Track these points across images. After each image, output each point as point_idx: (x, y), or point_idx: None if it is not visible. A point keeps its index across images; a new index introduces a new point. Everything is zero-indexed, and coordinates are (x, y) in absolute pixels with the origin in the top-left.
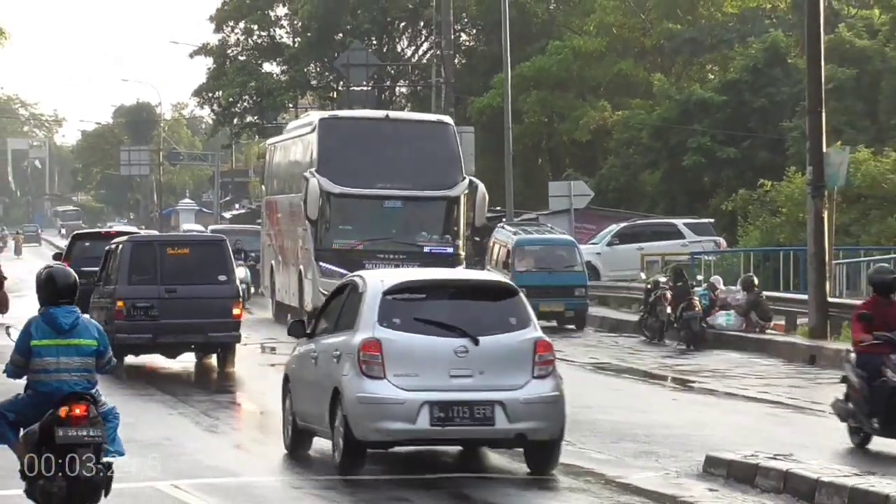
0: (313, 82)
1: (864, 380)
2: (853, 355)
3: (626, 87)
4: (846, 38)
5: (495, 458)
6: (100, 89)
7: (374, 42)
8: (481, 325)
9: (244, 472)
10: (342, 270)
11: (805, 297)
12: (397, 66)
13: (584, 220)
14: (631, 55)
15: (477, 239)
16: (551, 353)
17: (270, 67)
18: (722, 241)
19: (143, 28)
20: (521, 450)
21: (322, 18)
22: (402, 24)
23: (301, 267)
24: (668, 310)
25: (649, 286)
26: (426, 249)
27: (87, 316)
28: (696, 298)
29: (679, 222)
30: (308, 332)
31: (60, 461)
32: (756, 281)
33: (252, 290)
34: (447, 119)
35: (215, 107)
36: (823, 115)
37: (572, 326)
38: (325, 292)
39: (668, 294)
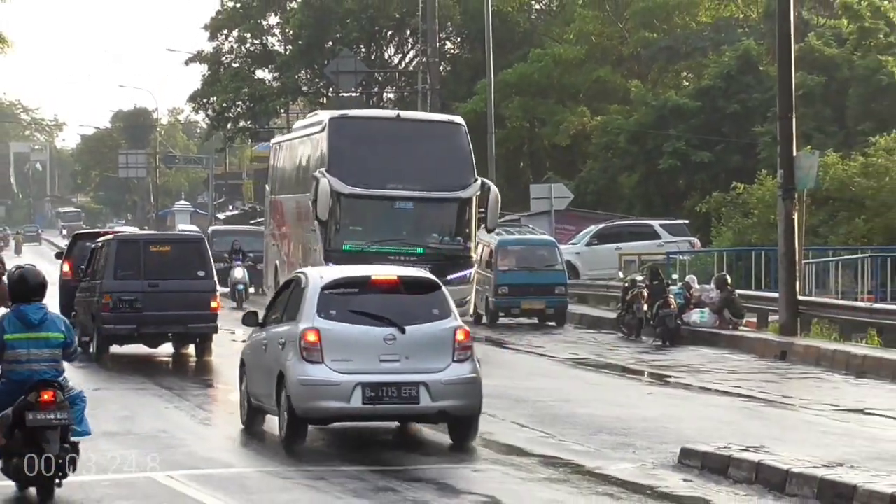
0: (304, 88)
1: None
2: None
3: (605, 94)
4: (815, 47)
5: (484, 452)
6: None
7: (363, 50)
8: (407, 316)
9: (237, 464)
10: None
11: (776, 295)
12: (385, 72)
13: (565, 221)
14: (609, 63)
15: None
16: (469, 341)
17: (263, 74)
18: (696, 241)
19: (140, 36)
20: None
21: (312, 27)
22: (390, 32)
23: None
24: (645, 307)
25: (627, 285)
26: (437, 251)
27: (54, 311)
28: (672, 296)
29: (655, 223)
30: (260, 322)
31: (32, 441)
32: (729, 280)
33: (252, 289)
34: (459, 119)
35: (210, 112)
36: (794, 120)
37: (553, 323)
38: None
39: (645, 292)
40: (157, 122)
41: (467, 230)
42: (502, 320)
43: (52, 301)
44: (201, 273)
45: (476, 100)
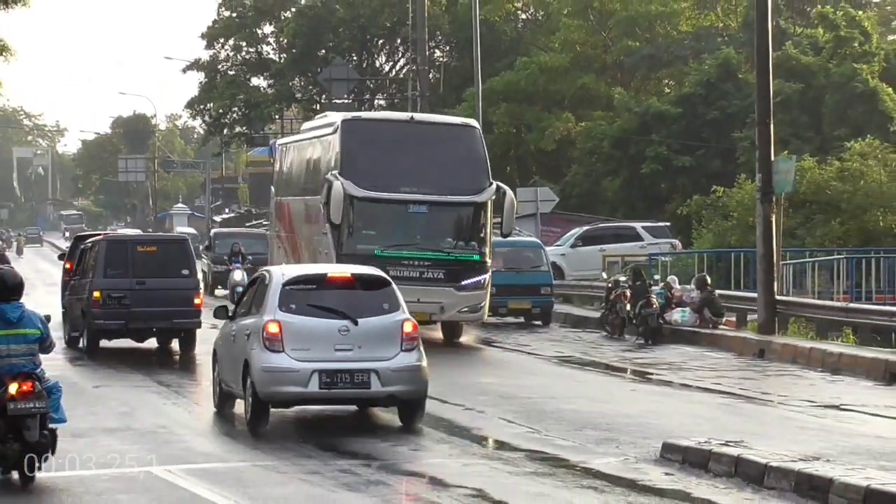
0: (298, 95)
1: None
2: None
3: (589, 100)
4: (793, 55)
5: (476, 448)
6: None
7: (355, 58)
8: (360, 310)
9: (233, 458)
10: None
11: (754, 295)
12: (376, 80)
13: (550, 223)
14: (593, 70)
15: None
16: (416, 332)
17: (258, 81)
18: (677, 243)
19: (139, 45)
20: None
21: (306, 36)
22: (381, 41)
23: None
24: (628, 307)
25: (610, 285)
26: (452, 256)
27: (31, 309)
28: (654, 296)
29: (638, 226)
30: (230, 315)
31: (13, 429)
32: (709, 280)
33: None
34: (473, 122)
35: (206, 118)
36: (772, 126)
37: (539, 322)
38: None
39: (628, 292)
40: (156, 128)
41: (482, 235)
42: (490, 319)
43: (55, 298)
44: (185, 272)
45: (465, 106)
